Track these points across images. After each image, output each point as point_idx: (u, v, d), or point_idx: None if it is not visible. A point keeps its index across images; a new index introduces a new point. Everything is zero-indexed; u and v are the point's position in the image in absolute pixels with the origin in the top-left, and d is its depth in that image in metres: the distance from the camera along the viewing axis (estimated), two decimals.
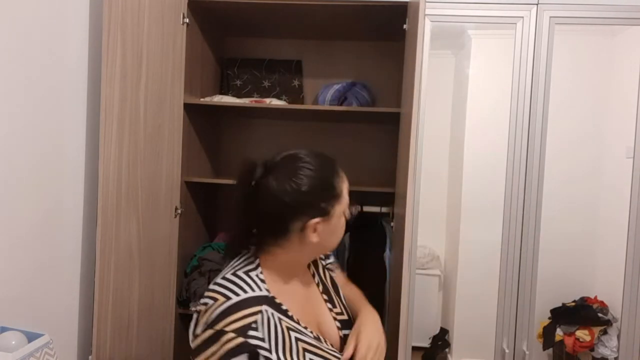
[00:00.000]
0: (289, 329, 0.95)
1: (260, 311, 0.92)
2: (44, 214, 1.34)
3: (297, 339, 0.95)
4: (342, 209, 1.00)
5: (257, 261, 0.99)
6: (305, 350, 0.95)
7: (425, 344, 2.59)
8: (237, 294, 0.92)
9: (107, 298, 1.41)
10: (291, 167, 0.96)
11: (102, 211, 1.36)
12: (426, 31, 1.93)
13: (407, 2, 1.70)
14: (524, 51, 1.92)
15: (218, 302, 0.91)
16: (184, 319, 1.95)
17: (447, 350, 2.61)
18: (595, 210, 2.48)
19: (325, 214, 0.97)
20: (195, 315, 0.94)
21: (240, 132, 2.38)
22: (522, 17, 1.91)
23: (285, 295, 0.98)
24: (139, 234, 1.54)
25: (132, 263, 1.52)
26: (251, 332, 0.90)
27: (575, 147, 2.46)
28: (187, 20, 1.79)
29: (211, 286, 0.96)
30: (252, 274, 0.96)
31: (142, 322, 1.61)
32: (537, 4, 1.90)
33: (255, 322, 0.91)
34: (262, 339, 0.90)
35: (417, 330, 2.03)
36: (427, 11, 1.90)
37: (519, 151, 1.93)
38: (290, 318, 0.96)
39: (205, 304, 0.92)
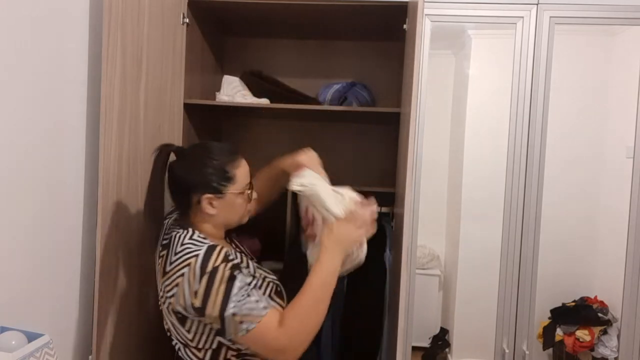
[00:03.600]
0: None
1: (222, 247, 1.17)
2: (44, 213, 1.34)
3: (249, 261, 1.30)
4: (237, 191, 1.24)
5: (190, 229, 1.21)
6: (258, 267, 1.31)
7: (425, 344, 2.59)
8: (199, 247, 1.14)
9: (107, 298, 1.41)
10: (193, 153, 1.25)
11: (102, 211, 1.36)
12: (426, 31, 1.93)
13: (407, 2, 1.70)
14: (524, 51, 1.92)
15: (193, 261, 1.12)
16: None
17: (447, 350, 2.61)
18: (595, 211, 2.48)
19: (217, 191, 1.21)
20: (183, 283, 1.11)
21: (240, 132, 2.38)
22: (522, 17, 1.91)
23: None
24: (139, 234, 1.54)
25: (132, 263, 1.52)
26: (231, 257, 1.15)
27: (575, 147, 2.46)
28: (187, 20, 1.79)
29: (174, 258, 1.15)
30: (194, 237, 1.18)
31: (142, 322, 1.61)
32: (537, 4, 1.90)
33: (227, 251, 1.16)
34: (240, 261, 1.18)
35: (417, 330, 2.03)
36: (427, 11, 1.90)
37: (519, 151, 1.93)
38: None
39: (182, 274, 1.12)
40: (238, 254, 1.29)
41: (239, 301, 1.09)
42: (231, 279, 1.10)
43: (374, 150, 2.32)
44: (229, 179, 1.23)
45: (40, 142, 1.31)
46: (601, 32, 2.37)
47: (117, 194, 1.42)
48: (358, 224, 1.26)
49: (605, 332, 2.31)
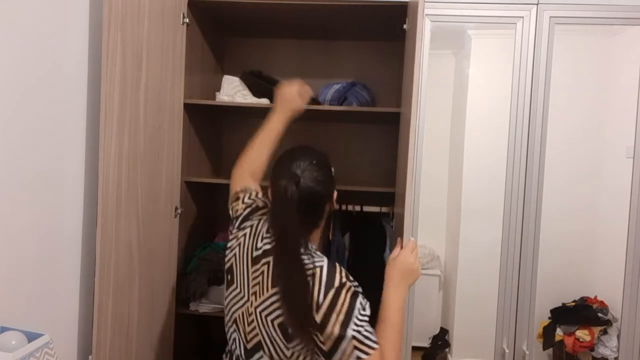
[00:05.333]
0: None
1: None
2: (44, 213, 1.34)
3: None
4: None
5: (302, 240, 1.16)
6: None
7: (425, 344, 2.59)
8: (320, 258, 1.14)
9: (107, 298, 1.41)
10: (307, 171, 1.19)
11: (102, 211, 1.36)
12: (426, 31, 1.93)
13: (407, 2, 1.70)
14: (524, 51, 1.92)
15: (317, 272, 1.10)
16: (184, 319, 1.95)
17: (447, 350, 2.61)
18: (595, 210, 2.48)
19: (335, 184, 1.26)
20: (315, 284, 1.08)
21: (240, 132, 2.38)
22: (522, 17, 1.91)
23: None
24: (139, 234, 1.54)
25: (132, 263, 1.52)
26: (351, 278, 1.13)
27: (575, 147, 2.46)
28: (187, 20, 1.79)
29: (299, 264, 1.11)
30: (309, 248, 1.15)
31: (142, 322, 1.61)
32: (537, 4, 1.90)
33: (347, 272, 1.14)
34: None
35: (417, 330, 2.03)
36: (427, 11, 1.90)
37: (519, 151, 1.93)
38: None
39: (307, 283, 1.08)
40: None
41: (358, 323, 1.05)
42: (354, 297, 1.07)
43: (374, 150, 2.32)
44: (330, 166, 1.28)
45: (40, 142, 1.31)
46: (601, 32, 2.37)
47: (117, 194, 1.42)
48: (417, 254, 1.26)
49: (605, 332, 2.30)
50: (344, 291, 1.07)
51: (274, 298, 1.12)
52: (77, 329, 1.50)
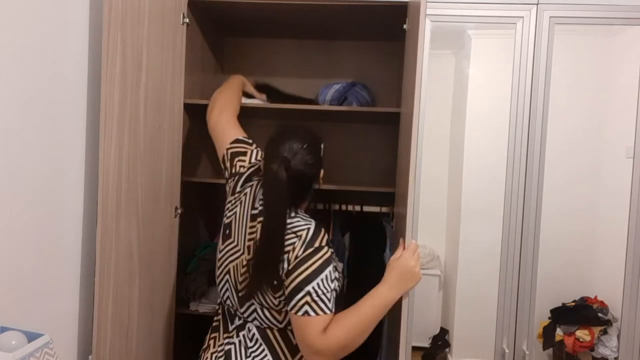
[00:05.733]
0: None
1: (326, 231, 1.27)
2: (44, 213, 1.34)
3: None
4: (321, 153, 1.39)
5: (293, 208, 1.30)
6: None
7: (425, 344, 2.59)
8: (309, 222, 1.25)
9: (107, 298, 1.41)
10: (298, 154, 1.27)
11: (102, 211, 1.36)
12: (426, 31, 1.93)
13: (407, 2, 1.70)
14: (524, 51, 1.92)
15: (304, 234, 1.21)
16: (184, 319, 1.95)
17: (447, 350, 2.61)
18: (595, 210, 2.48)
19: (323, 163, 1.37)
20: (290, 253, 1.20)
21: None
22: (522, 17, 1.91)
23: None
24: (139, 234, 1.54)
25: (132, 263, 1.52)
26: (330, 245, 1.24)
27: (575, 147, 2.46)
28: (187, 20, 1.79)
29: (289, 225, 1.23)
30: (300, 213, 1.29)
31: (142, 322, 1.61)
32: (537, 4, 1.90)
33: (329, 237, 1.26)
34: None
35: (417, 330, 2.04)
36: (427, 11, 1.89)
37: (519, 151, 1.93)
38: None
39: (292, 244, 1.20)
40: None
41: (320, 285, 1.16)
42: (326, 263, 1.19)
43: (374, 150, 2.31)
44: (320, 148, 1.38)
45: (40, 142, 1.31)
46: (601, 32, 2.37)
47: (117, 194, 1.42)
48: (417, 258, 1.28)
49: (605, 332, 2.30)
50: (320, 253, 1.19)
51: None
52: (77, 329, 1.50)
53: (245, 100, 2.00)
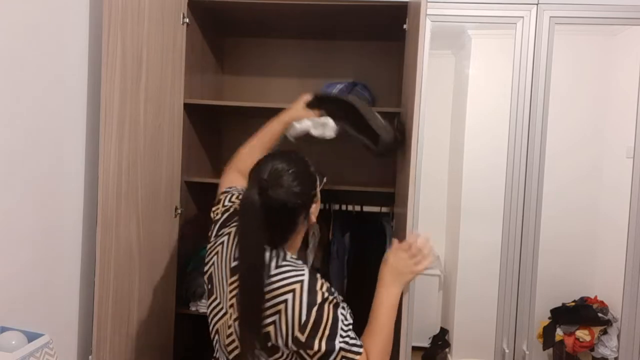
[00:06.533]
0: None
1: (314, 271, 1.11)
2: (44, 213, 1.34)
3: None
4: (320, 187, 1.22)
5: (282, 250, 1.13)
6: None
7: (425, 344, 2.59)
8: (301, 271, 1.08)
9: (107, 298, 1.41)
10: (280, 178, 1.09)
11: (102, 211, 1.36)
12: (426, 31, 1.93)
13: (407, 2, 1.70)
14: (524, 51, 1.92)
15: (297, 287, 1.05)
16: (184, 319, 1.95)
17: (447, 350, 2.61)
18: (595, 210, 2.48)
19: (315, 197, 1.18)
20: (286, 312, 1.04)
21: (240, 132, 2.36)
22: (522, 17, 1.91)
23: None
24: (139, 234, 1.54)
25: (132, 263, 1.52)
26: (332, 289, 1.10)
27: (576, 147, 2.46)
28: (187, 20, 1.79)
29: (275, 277, 1.06)
30: (288, 258, 1.11)
31: (142, 322, 1.61)
32: (537, 4, 1.90)
33: (328, 282, 1.11)
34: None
35: (417, 330, 2.03)
36: (427, 11, 1.89)
37: (519, 151, 1.93)
38: None
39: (285, 301, 1.04)
40: None
41: (344, 334, 1.05)
42: (335, 308, 1.06)
43: None
44: (315, 179, 1.19)
45: (40, 142, 1.31)
46: (601, 32, 2.37)
47: (117, 194, 1.42)
48: (412, 252, 1.25)
49: (605, 332, 2.31)
50: (326, 305, 1.05)
51: None
52: (77, 329, 1.50)
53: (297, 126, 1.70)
